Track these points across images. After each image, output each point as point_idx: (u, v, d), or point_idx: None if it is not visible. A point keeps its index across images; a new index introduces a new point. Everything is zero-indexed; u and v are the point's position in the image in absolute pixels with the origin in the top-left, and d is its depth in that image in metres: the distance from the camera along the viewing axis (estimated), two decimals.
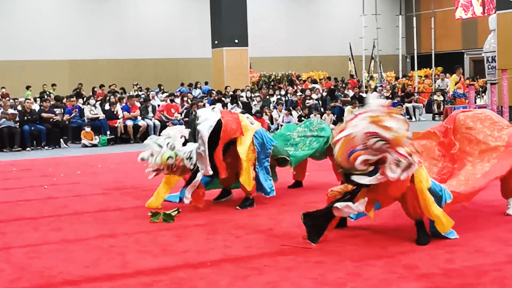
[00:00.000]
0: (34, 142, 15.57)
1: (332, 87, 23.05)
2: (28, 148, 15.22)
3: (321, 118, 16.80)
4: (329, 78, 27.23)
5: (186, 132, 6.95)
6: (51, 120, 15.92)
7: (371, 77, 27.11)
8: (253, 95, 21.80)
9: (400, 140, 4.71)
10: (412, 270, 4.40)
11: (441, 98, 20.53)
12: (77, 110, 17.16)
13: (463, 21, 30.32)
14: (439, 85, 22.35)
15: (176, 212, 6.45)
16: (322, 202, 6.97)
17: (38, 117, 15.81)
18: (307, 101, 20.09)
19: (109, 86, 22.92)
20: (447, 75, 23.64)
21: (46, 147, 15.39)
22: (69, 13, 26.69)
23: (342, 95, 20.83)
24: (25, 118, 15.54)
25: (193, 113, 7.00)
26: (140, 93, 22.46)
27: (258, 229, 5.76)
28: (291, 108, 19.29)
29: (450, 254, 4.75)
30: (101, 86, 23.21)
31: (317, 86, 23.39)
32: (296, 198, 7.30)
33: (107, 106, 17.29)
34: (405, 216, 5.90)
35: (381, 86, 24.42)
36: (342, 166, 4.85)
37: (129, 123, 16.62)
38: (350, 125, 4.72)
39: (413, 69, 29.42)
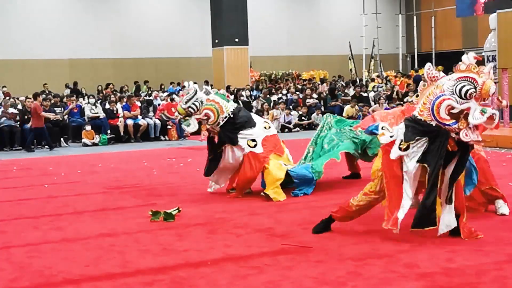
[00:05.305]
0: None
1: (333, 86, 23.01)
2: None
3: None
4: (322, 81, 26.60)
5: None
6: (51, 119, 15.90)
7: (372, 79, 26.70)
8: (256, 93, 21.75)
9: (487, 90, 4.81)
10: (413, 269, 4.40)
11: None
12: (77, 108, 17.17)
13: (463, 20, 30.30)
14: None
15: (177, 211, 6.45)
16: (322, 201, 6.99)
17: None
18: (307, 100, 20.08)
19: (109, 85, 22.92)
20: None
21: (46, 146, 15.37)
22: (69, 12, 26.66)
23: (343, 94, 20.82)
24: (26, 117, 15.53)
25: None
26: (142, 93, 22.49)
27: (258, 228, 5.76)
28: (291, 107, 19.27)
29: (451, 253, 4.75)
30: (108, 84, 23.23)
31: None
32: (296, 198, 7.29)
33: (107, 105, 17.27)
34: (406, 216, 5.89)
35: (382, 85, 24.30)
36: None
37: (130, 122, 16.61)
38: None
39: (413, 68, 29.40)
